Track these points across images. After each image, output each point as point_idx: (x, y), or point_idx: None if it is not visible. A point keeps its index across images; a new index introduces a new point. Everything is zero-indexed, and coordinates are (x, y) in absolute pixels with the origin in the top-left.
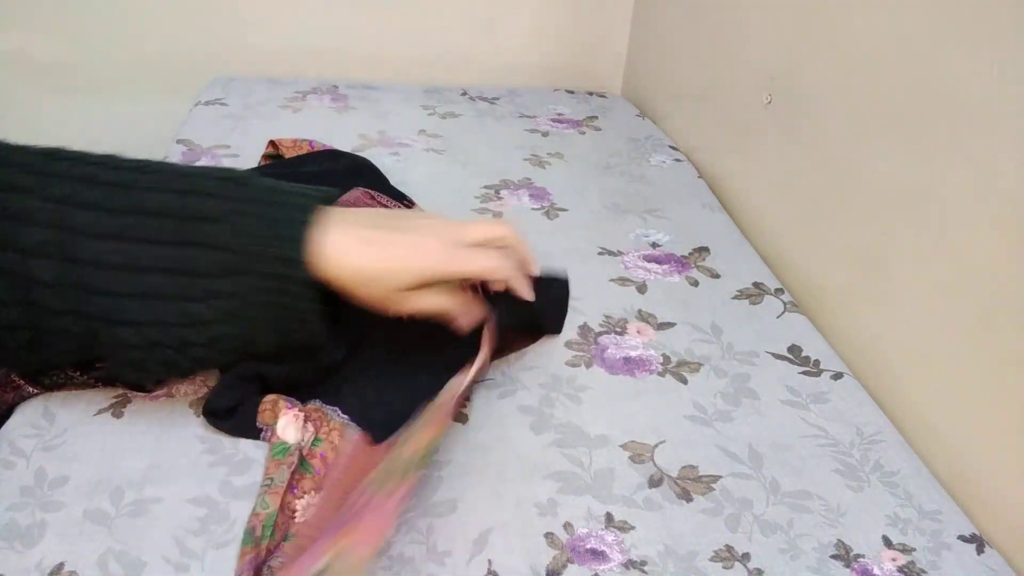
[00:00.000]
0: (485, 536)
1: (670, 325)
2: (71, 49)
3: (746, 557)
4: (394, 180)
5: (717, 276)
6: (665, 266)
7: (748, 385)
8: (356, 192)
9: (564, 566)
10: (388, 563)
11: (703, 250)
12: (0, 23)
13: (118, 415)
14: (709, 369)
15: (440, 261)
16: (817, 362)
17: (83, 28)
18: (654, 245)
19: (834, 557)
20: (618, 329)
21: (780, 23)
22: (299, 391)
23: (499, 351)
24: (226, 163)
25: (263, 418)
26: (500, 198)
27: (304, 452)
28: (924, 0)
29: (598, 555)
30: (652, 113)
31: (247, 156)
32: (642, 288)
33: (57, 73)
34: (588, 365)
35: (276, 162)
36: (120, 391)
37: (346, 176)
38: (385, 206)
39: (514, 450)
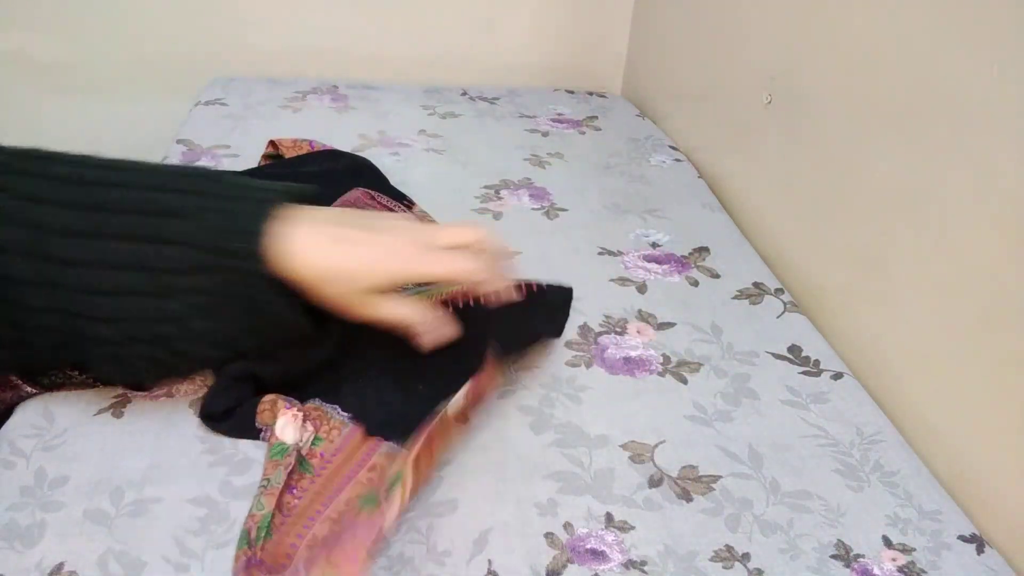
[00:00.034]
0: (485, 536)
1: (670, 325)
2: (71, 49)
3: (746, 557)
4: (394, 180)
5: (717, 276)
6: (665, 266)
7: (748, 385)
8: (356, 192)
9: (564, 566)
10: (388, 563)
11: (703, 250)
12: (0, 23)
13: (118, 415)
14: (709, 369)
15: (409, 262)
16: (817, 362)
17: (83, 28)
18: (654, 245)
19: (834, 557)
20: (618, 329)
21: (780, 23)
22: (298, 390)
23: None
24: (226, 163)
25: (262, 418)
26: (500, 198)
27: (304, 452)
28: (924, 0)
29: (598, 555)
30: (652, 113)
31: (247, 156)
32: (642, 288)
33: (57, 73)
34: (588, 365)
35: (276, 162)
36: (120, 391)
37: (346, 176)
38: (385, 206)
39: (514, 450)
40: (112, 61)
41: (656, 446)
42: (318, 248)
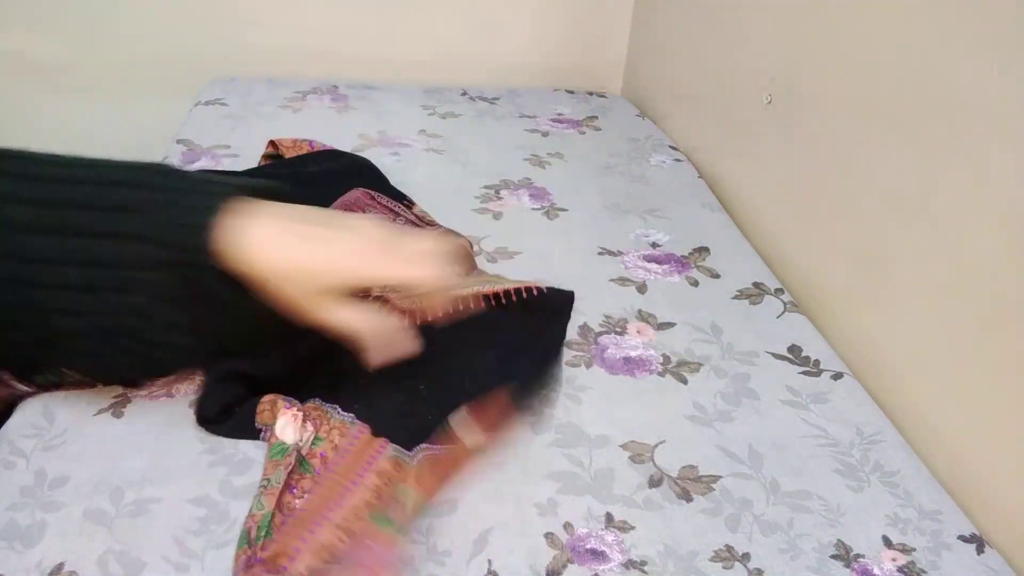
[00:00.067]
0: (485, 536)
1: (670, 325)
2: (71, 49)
3: (746, 557)
4: (394, 180)
5: (717, 276)
6: (665, 266)
7: (748, 385)
8: (356, 192)
9: (564, 566)
10: None
11: (703, 250)
12: (0, 23)
13: (118, 415)
14: (709, 369)
15: (372, 264)
16: (817, 362)
17: (83, 28)
18: (654, 245)
19: (834, 557)
20: (618, 329)
21: (780, 23)
22: (297, 390)
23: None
24: (226, 163)
25: (262, 418)
26: (500, 198)
27: (304, 452)
28: (924, 1)
29: (598, 555)
30: (652, 113)
31: (247, 156)
32: (642, 288)
33: (57, 73)
34: (588, 365)
35: (276, 162)
36: (120, 391)
37: (346, 176)
38: (385, 206)
39: (514, 450)
40: (112, 61)
41: (656, 446)
42: (276, 243)
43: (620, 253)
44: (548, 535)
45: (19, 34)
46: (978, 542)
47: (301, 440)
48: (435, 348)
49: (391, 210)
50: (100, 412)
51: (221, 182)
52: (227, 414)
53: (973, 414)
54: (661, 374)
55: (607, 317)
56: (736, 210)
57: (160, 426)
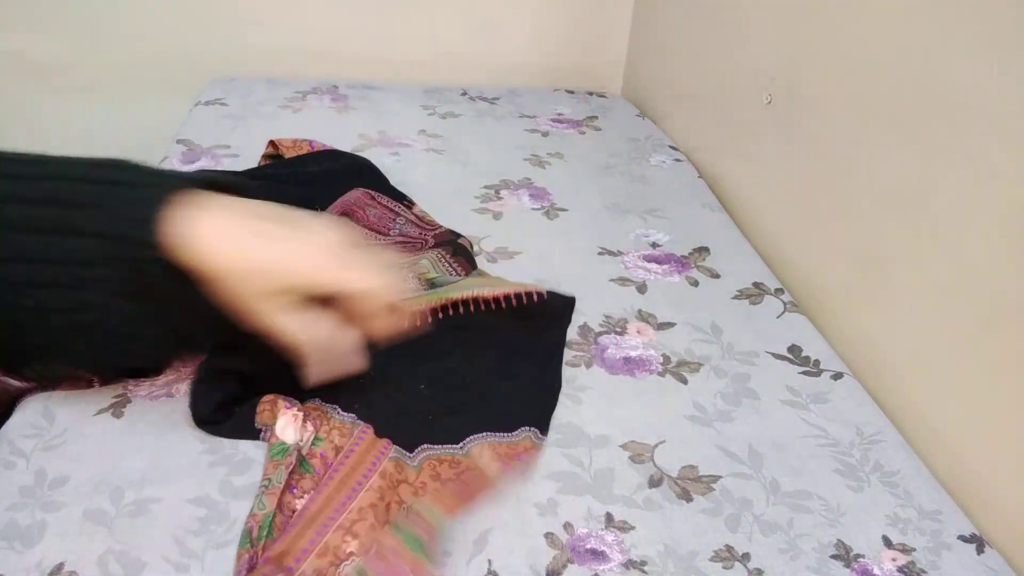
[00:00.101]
0: (485, 536)
1: (670, 325)
2: (71, 49)
3: (746, 557)
4: (394, 180)
5: (717, 276)
6: (665, 266)
7: (748, 385)
8: (356, 192)
9: (564, 566)
10: None
11: (703, 250)
12: (0, 23)
13: (118, 415)
14: (709, 369)
15: (326, 270)
16: (817, 362)
17: (83, 28)
18: (654, 245)
19: (834, 557)
20: (618, 329)
21: (780, 23)
22: (299, 391)
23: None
24: (226, 163)
25: (262, 418)
26: (500, 198)
27: (304, 452)
28: (924, 1)
29: (598, 555)
30: (652, 113)
31: (247, 156)
32: (642, 288)
33: (57, 73)
34: (588, 365)
35: (276, 162)
36: (120, 391)
37: (346, 176)
38: (385, 206)
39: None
40: (112, 61)
41: (656, 446)
42: (227, 237)
43: (620, 253)
44: (548, 535)
45: (19, 34)
46: (978, 542)
47: (301, 440)
48: (435, 348)
49: (391, 210)
50: (100, 412)
51: (175, 175)
52: (223, 413)
53: (973, 414)
54: (661, 374)
55: (607, 317)
56: (736, 210)
57: (160, 426)
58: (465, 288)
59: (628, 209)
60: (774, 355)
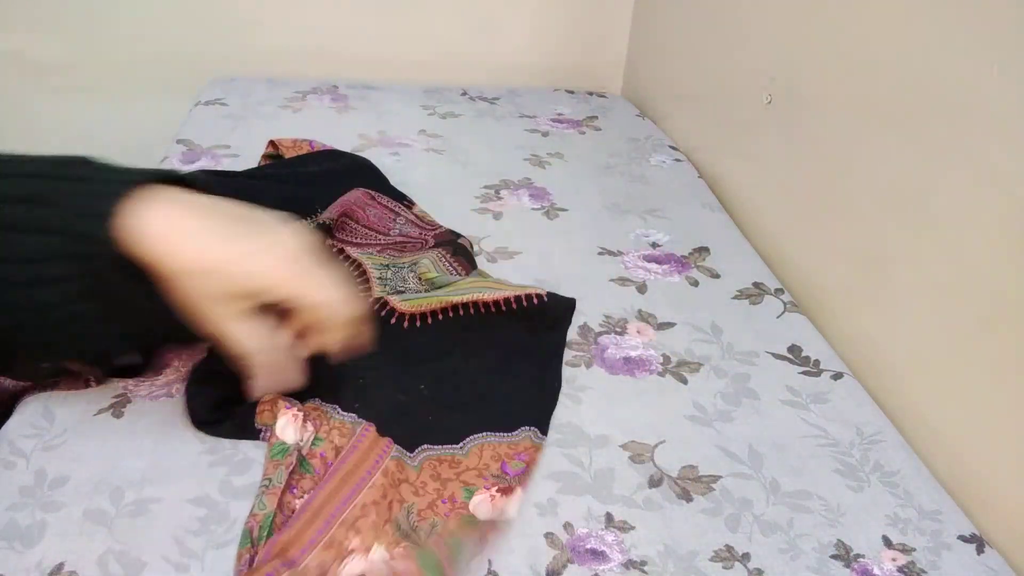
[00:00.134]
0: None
1: (670, 325)
2: (71, 49)
3: (746, 557)
4: (394, 180)
5: (717, 276)
6: (665, 266)
7: (748, 385)
8: (356, 192)
9: (564, 566)
10: None
11: (703, 250)
12: (0, 23)
13: (118, 415)
14: (709, 369)
15: (283, 276)
16: (817, 362)
17: (83, 28)
18: (654, 245)
19: (834, 557)
20: (618, 329)
21: (780, 23)
22: (299, 391)
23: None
24: (226, 163)
25: (262, 419)
26: (500, 198)
27: (304, 452)
28: (924, 1)
29: (598, 555)
30: (652, 113)
31: (247, 156)
32: (642, 288)
33: (57, 73)
34: (588, 365)
35: (276, 162)
36: (120, 391)
37: (346, 176)
38: (385, 206)
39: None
40: (112, 61)
41: (656, 446)
42: (183, 233)
43: (620, 253)
44: (548, 535)
45: (19, 34)
46: (978, 542)
47: (301, 440)
48: (435, 348)
49: (391, 210)
50: (100, 412)
51: (138, 171)
52: (221, 413)
53: (973, 414)
54: (661, 374)
55: (607, 317)
56: (736, 210)
57: (160, 426)
58: (465, 292)
59: (628, 209)
60: (774, 355)
